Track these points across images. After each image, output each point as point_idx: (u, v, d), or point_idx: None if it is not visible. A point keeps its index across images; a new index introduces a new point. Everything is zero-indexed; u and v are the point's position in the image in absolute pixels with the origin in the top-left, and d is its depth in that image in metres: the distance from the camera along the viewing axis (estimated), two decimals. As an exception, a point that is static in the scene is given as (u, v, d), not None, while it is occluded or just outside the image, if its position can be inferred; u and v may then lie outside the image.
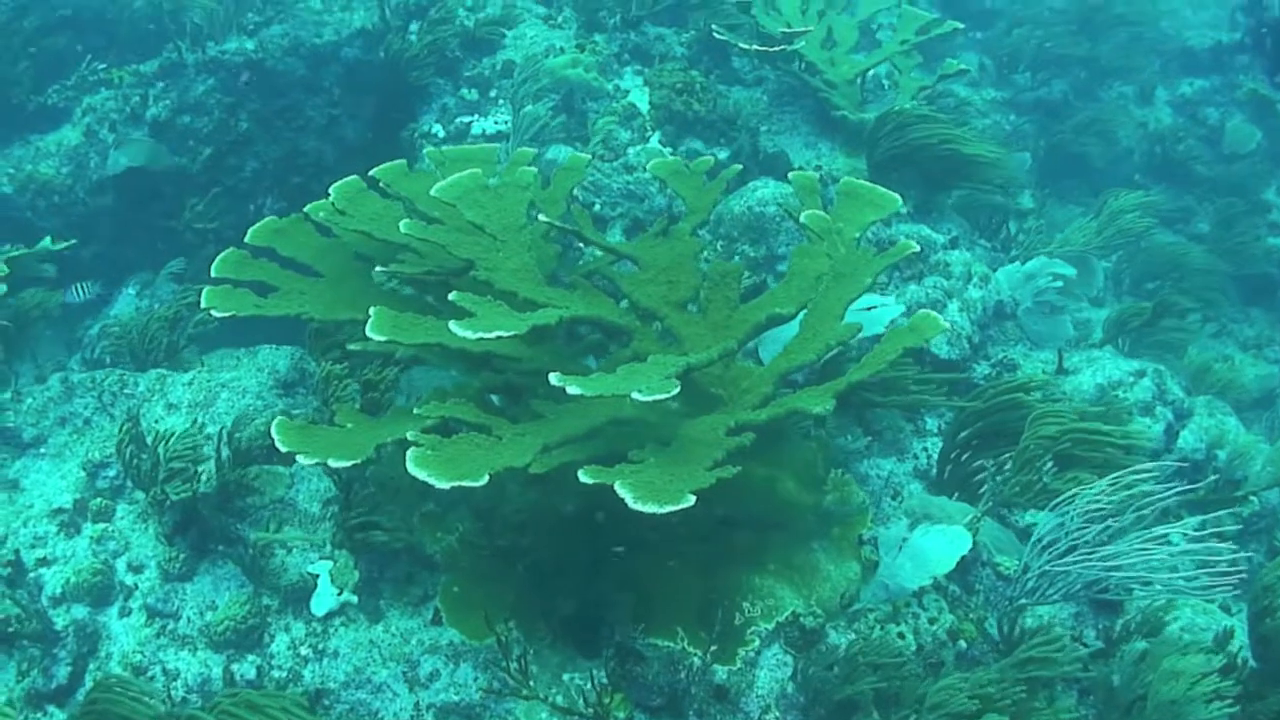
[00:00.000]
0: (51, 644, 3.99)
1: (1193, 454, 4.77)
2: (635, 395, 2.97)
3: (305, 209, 4.45)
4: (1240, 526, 4.55)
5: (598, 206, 5.68)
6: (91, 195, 6.84)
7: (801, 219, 4.01)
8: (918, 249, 4.00)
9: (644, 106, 6.28)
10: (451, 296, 3.44)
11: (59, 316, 5.64)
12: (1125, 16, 9.08)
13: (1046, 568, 3.52)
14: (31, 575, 4.23)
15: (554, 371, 3.26)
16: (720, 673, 3.48)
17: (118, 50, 7.31)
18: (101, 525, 4.32)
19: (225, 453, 4.17)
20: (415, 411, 3.30)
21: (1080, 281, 6.08)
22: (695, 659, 3.43)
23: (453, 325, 3.26)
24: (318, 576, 3.96)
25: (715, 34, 6.29)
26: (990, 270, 5.70)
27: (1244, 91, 8.46)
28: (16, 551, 4.27)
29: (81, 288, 5.86)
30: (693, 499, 2.84)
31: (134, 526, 4.30)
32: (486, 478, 2.89)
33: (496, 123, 6.32)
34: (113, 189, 6.81)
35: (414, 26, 6.85)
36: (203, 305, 3.99)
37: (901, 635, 3.56)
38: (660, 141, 6.11)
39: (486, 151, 4.60)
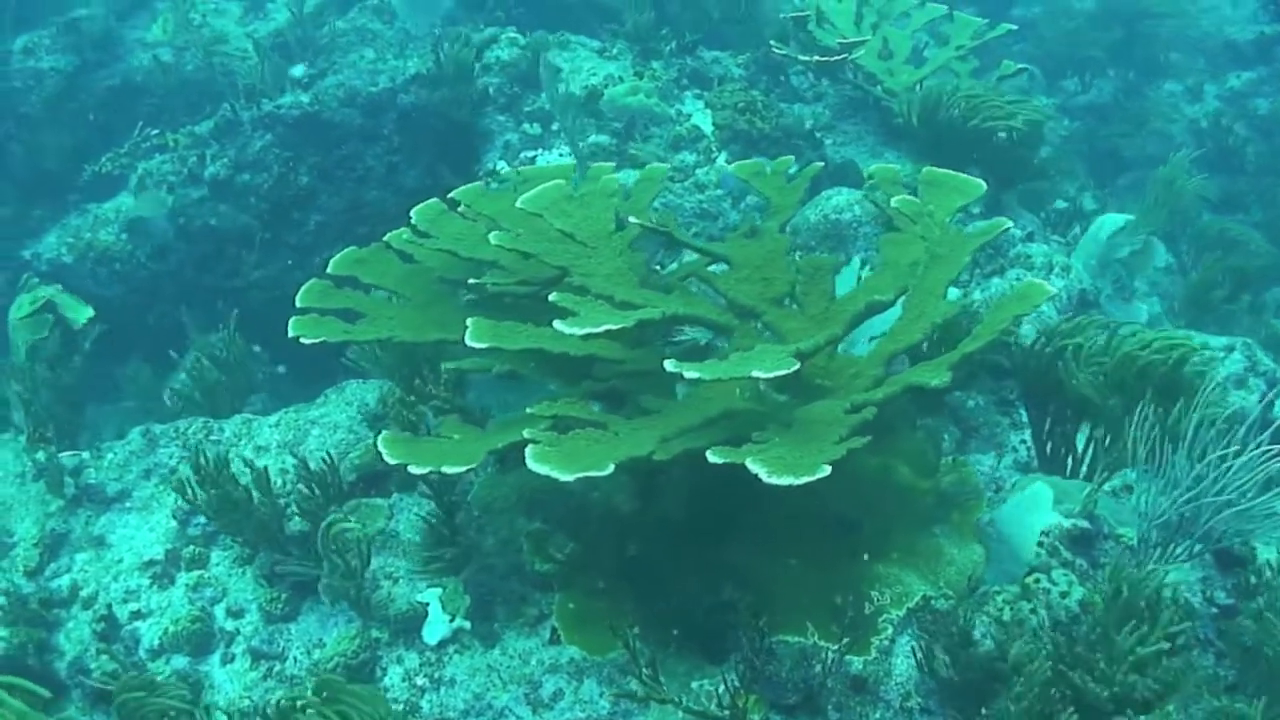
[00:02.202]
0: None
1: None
2: (756, 373, 2.89)
3: (385, 237, 4.43)
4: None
5: (671, 227, 5.64)
6: (153, 260, 6.87)
7: (893, 203, 3.95)
8: (1010, 224, 3.91)
9: (708, 128, 6.26)
10: (552, 297, 3.39)
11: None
12: (1150, 9, 9.08)
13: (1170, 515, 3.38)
14: (126, 629, 4.17)
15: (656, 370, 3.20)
16: (856, 663, 3.35)
17: (169, 115, 7.39)
18: (196, 573, 4.26)
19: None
20: (529, 411, 3.22)
21: (1141, 258, 5.98)
22: (829, 652, 3.31)
23: (558, 324, 3.20)
24: (428, 605, 3.86)
25: (774, 49, 6.29)
26: (1070, 261, 5.60)
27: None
28: (109, 606, 4.21)
29: None
30: (828, 469, 2.74)
31: (230, 571, 4.23)
32: (612, 467, 2.80)
33: (560, 155, 6.31)
34: (175, 252, 6.85)
35: (475, 66, 6.86)
36: (291, 333, 3.94)
37: (1034, 611, 3.42)
38: (727, 161, 6.08)
39: (562, 169, 4.57)
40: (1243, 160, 7.96)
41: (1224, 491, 3.35)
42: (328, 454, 4.26)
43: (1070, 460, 4.17)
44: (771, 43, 6.34)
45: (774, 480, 2.71)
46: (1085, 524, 3.68)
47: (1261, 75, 8.74)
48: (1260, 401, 4.59)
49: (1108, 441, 3.97)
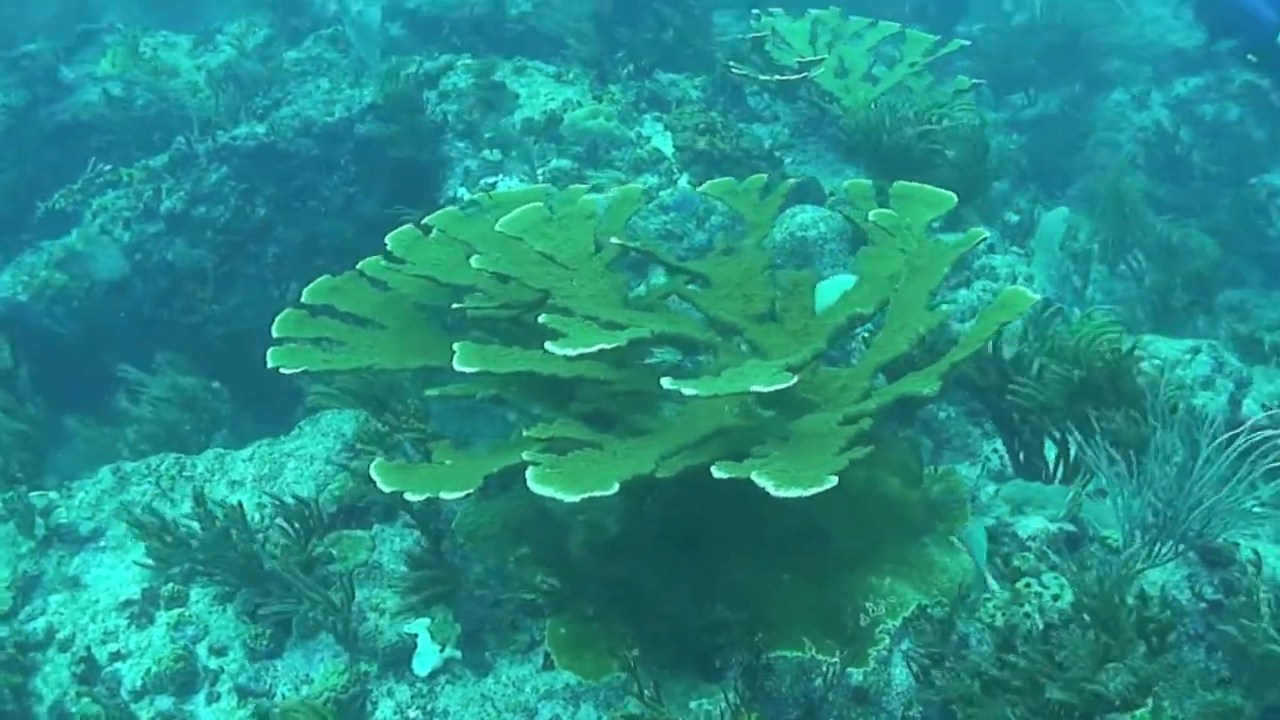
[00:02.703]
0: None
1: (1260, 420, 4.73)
2: (756, 388, 2.90)
3: (360, 264, 4.40)
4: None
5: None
6: (110, 296, 6.78)
7: (870, 217, 3.99)
8: (987, 234, 3.97)
9: (669, 150, 6.30)
10: (542, 318, 3.38)
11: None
12: (1091, 21, 9.26)
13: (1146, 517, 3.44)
14: (107, 671, 4.08)
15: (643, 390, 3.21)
16: (856, 675, 3.36)
17: (122, 149, 7.31)
18: (176, 611, 4.17)
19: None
20: (526, 434, 3.21)
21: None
22: (828, 665, 3.31)
23: (549, 345, 3.19)
24: (416, 635, 3.82)
25: (733, 70, 6.34)
26: (1031, 271, 5.69)
27: (1238, 84, 8.57)
28: (87, 648, 4.12)
29: None
30: (834, 479, 2.76)
31: (211, 609, 4.15)
32: (616, 486, 2.80)
33: (522, 181, 6.30)
34: (131, 289, 6.76)
35: (428, 96, 6.83)
36: (270, 364, 3.90)
37: (1028, 616, 3.46)
38: (689, 182, 6.11)
39: (535, 192, 4.57)
40: (1190, 166, 8.11)
41: (1192, 492, 3.42)
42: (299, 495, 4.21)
43: (1047, 466, 4.21)
44: (730, 64, 6.39)
45: (781, 493, 2.72)
46: (1071, 527, 3.74)
47: (1208, 81, 8.91)
48: (1228, 403, 4.69)
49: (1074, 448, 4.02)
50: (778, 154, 6.39)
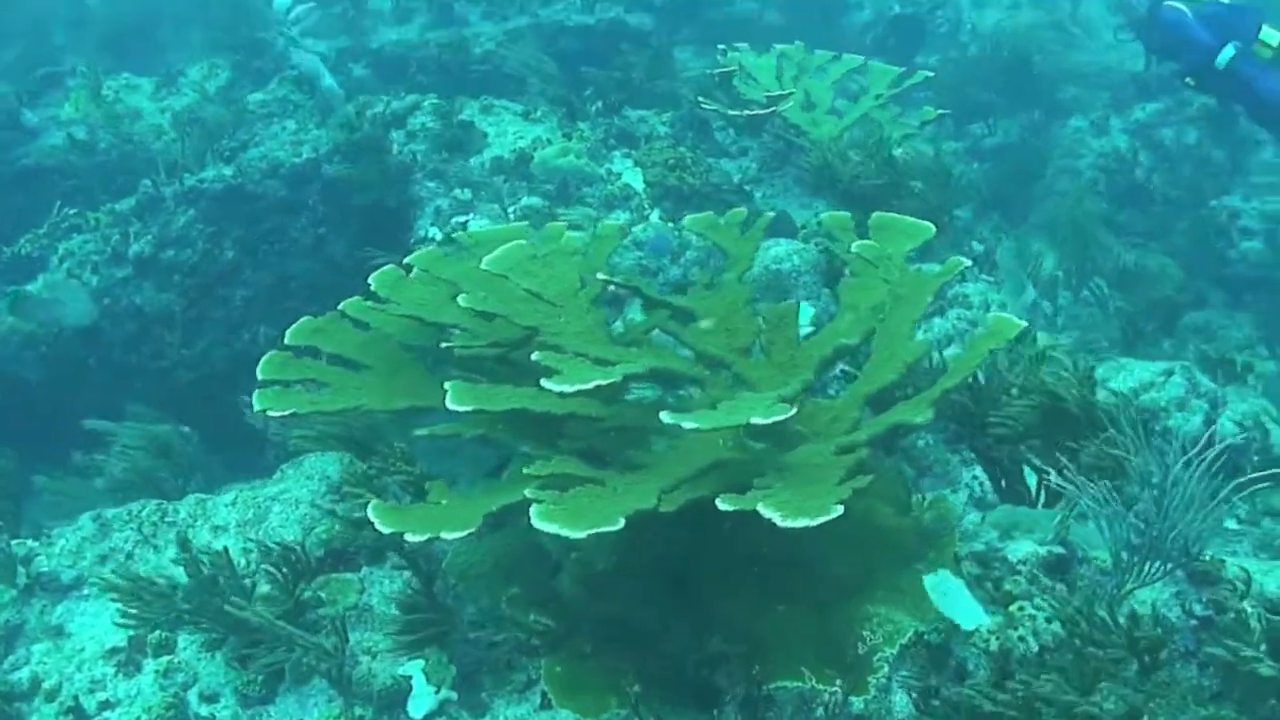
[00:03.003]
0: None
1: (1234, 439, 4.82)
2: (754, 420, 2.93)
3: (341, 305, 4.39)
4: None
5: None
6: (79, 342, 6.71)
7: (854, 248, 4.04)
8: (968, 263, 4.03)
9: (639, 185, 6.34)
10: (534, 355, 3.39)
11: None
12: (1044, 46, 9.44)
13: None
14: (96, 720, 4.02)
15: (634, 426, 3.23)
16: (856, 704, 3.38)
17: (87, 194, 7.26)
18: (165, 658, 4.11)
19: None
20: (525, 471, 3.21)
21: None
22: (829, 694, 3.32)
23: (545, 382, 3.20)
24: (411, 678, 3.79)
25: (702, 105, 6.40)
26: (1003, 298, 5.78)
27: (1196, 108, 8.73)
28: (75, 697, 4.06)
29: None
30: (840, 508, 2.78)
31: (200, 655, 4.10)
32: (622, 521, 2.80)
33: (494, 219, 6.32)
34: (100, 334, 6.69)
35: (395, 135, 6.85)
36: (256, 407, 3.88)
37: (1022, 639, 3.49)
38: (661, 217, 6.15)
39: (514, 230, 4.59)
40: (1151, 191, 8.25)
41: (1169, 514, 3.49)
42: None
43: (1029, 491, 4.26)
44: (699, 99, 6.45)
45: (788, 523, 2.74)
46: (1061, 550, 3.78)
47: (1167, 105, 9.07)
48: (1203, 424, 4.76)
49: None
50: (747, 188, 6.46)
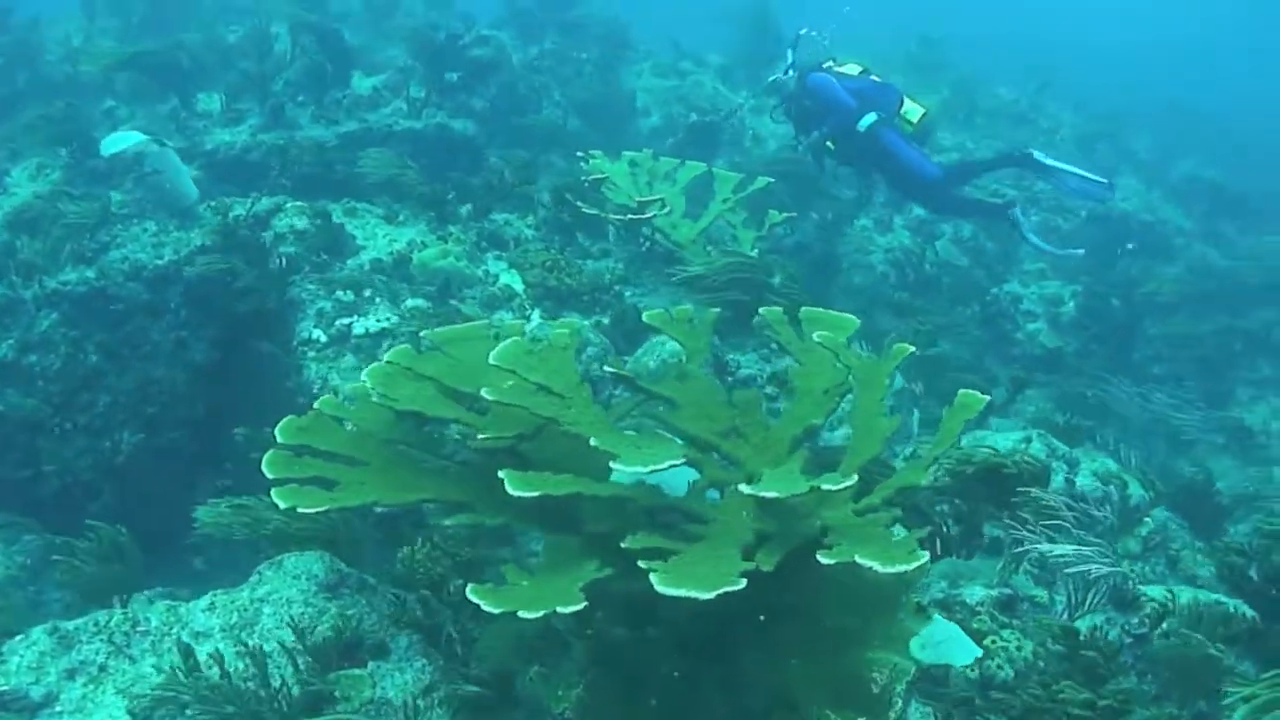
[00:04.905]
0: None
1: (1092, 493, 5.62)
2: (825, 486, 3.40)
3: (316, 405, 4.54)
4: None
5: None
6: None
7: (815, 337, 4.55)
8: (912, 349, 4.61)
9: (518, 286, 6.67)
10: (593, 442, 3.70)
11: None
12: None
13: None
14: None
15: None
16: (884, 734, 3.83)
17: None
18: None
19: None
20: (624, 545, 3.50)
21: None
22: (858, 732, 3.77)
23: (616, 465, 3.53)
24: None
25: (583, 210, 6.82)
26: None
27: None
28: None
29: None
30: (925, 554, 3.26)
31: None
32: (744, 581, 3.17)
33: (378, 320, 6.48)
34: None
35: (265, 236, 6.89)
36: (283, 505, 3.98)
37: (1000, 667, 4.07)
38: (542, 316, 6.50)
39: (478, 328, 4.86)
40: (938, 281, 9.23)
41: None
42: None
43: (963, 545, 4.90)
44: (579, 204, 6.88)
45: (888, 569, 3.20)
46: (1008, 590, 4.40)
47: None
48: (1065, 482, 5.55)
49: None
50: (618, 287, 6.89)
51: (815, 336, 4.55)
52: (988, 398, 4.24)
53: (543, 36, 12.36)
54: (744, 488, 3.44)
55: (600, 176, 7.04)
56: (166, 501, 6.02)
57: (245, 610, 4.46)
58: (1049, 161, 8.03)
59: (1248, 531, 5.45)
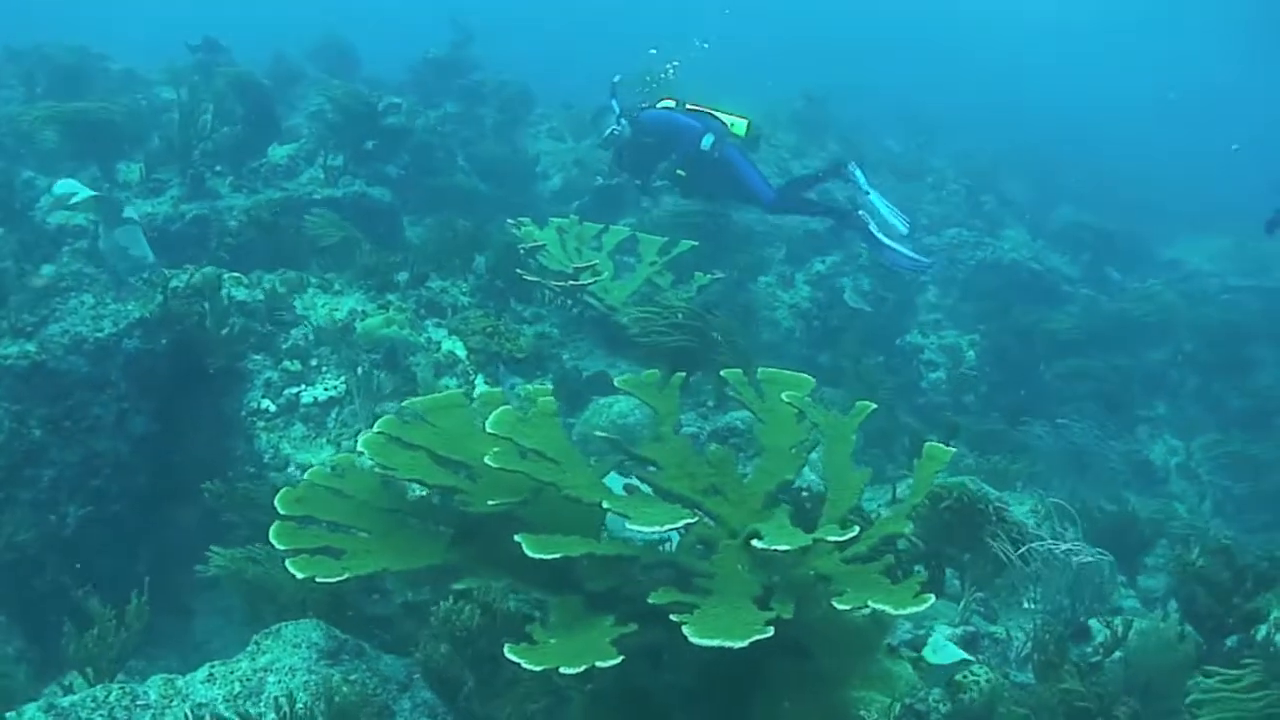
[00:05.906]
0: None
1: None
2: (830, 538, 3.72)
3: (307, 475, 4.69)
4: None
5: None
6: None
7: (783, 397, 4.88)
8: (874, 406, 4.96)
9: (461, 352, 6.87)
10: (605, 504, 3.96)
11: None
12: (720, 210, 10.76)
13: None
14: None
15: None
16: (877, 762, 4.15)
17: None
18: None
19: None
20: (652, 600, 3.74)
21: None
22: (853, 764, 4.08)
23: (630, 525, 3.79)
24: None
25: (524, 278, 7.07)
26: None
27: (865, 258, 10.26)
28: None
29: None
30: (931, 597, 3.58)
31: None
32: (771, 629, 3.46)
33: (326, 389, 6.61)
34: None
35: (205, 306, 6.95)
36: (300, 575, 4.12)
37: (973, 700, 4.43)
38: (486, 381, 6.71)
39: (454, 397, 5.06)
40: (843, 334, 9.65)
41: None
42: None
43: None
44: (519, 271, 7.12)
45: (900, 612, 3.52)
46: (971, 628, 4.78)
47: (841, 257, 10.54)
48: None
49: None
50: (554, 350, 7.14)
51: (784, 395, 4.89)
52: (953, 450, 4.62)
53: (443, 100, 12.59)
54: (756, 543, 3.73)
55: (537, 244, 7.30)
56: (112, 573, 6.03)
57: (248, 680, 4.55)
58: (866, 186, 8.40)
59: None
